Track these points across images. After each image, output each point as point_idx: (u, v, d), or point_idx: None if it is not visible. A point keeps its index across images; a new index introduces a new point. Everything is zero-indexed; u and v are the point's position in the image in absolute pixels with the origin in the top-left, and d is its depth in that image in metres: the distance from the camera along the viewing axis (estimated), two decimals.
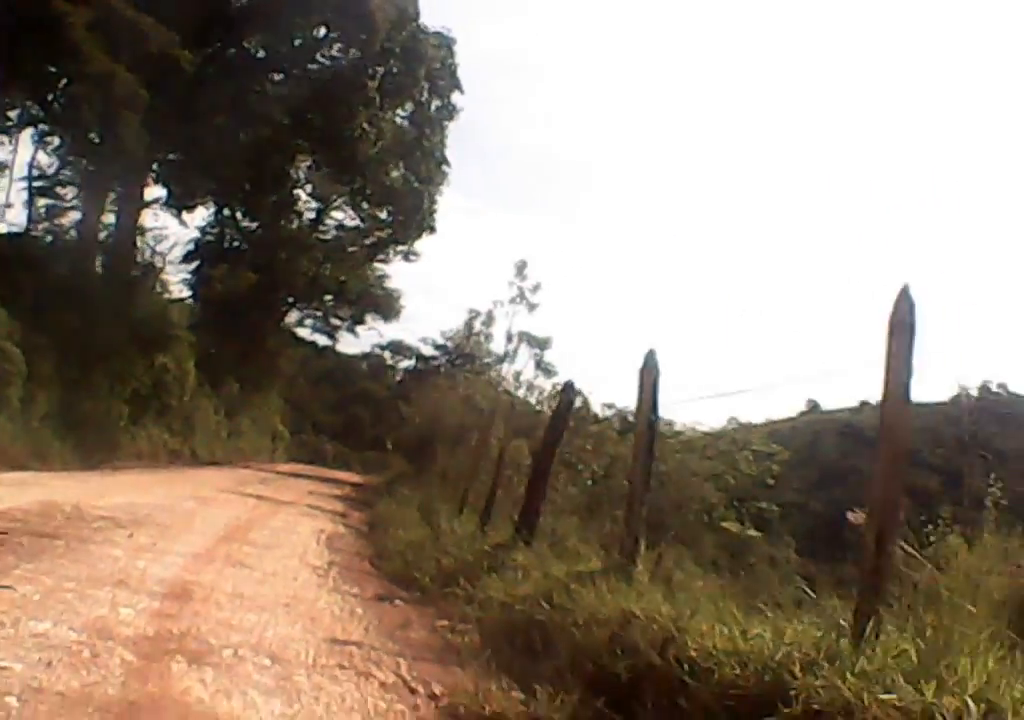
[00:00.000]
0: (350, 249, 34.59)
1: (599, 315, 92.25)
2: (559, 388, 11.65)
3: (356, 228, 34.22)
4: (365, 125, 25.35)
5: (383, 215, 32.52)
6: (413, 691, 3.98)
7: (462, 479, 13.16)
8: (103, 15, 16.29)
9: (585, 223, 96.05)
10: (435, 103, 30.64)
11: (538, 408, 18.83)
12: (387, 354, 57.97)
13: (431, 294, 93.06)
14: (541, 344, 32.91)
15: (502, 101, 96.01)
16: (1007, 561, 4.26)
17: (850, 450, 57.31)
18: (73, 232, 25.94)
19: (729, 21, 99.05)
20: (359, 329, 41.53)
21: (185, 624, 4.57)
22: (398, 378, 54.84)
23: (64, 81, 19.61)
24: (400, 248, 33.98)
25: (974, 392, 69.20)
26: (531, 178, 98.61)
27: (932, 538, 4.97)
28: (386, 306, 39.89)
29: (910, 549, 3.82)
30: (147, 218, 28.78)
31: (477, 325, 39.69)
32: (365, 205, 32.41)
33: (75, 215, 26.45)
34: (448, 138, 31.57)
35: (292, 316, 39.91)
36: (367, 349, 56.00)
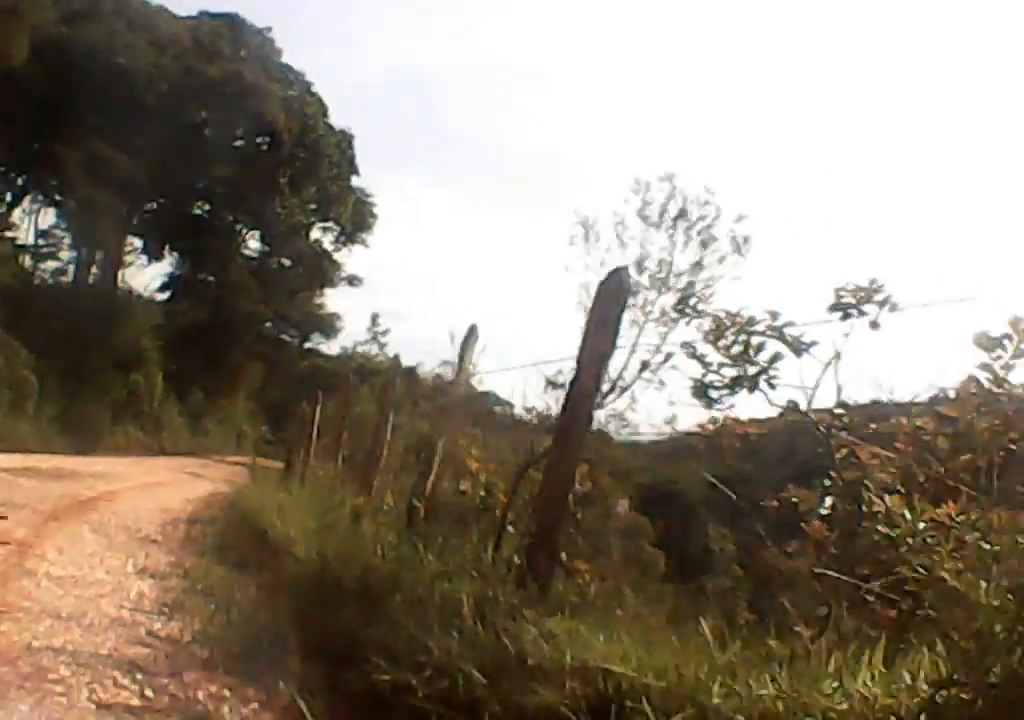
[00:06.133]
0: (282, 288, 43.79)
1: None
2: None
3: (285, 270, 43.55)
4: (278, 209, 34.32)
5: (297, 269, 42.08)
6: (188, 500, 12.77)
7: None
8: (90, 154, 24.92)
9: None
10: (338, 184, 39.78)
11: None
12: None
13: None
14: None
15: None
16: None
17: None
18: (69, 281, 34.76)
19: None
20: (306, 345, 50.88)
21: (113, 488, 13.36)
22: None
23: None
24: (311, 292, 44.13)
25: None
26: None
27: None
28: (327, 327, 49.32)
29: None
30: (128, 258, 37.78)
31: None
32: (285, 262, 41.92)
33: (71, 267, 35.37)
34: (353, 208, 41.10)
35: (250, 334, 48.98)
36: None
